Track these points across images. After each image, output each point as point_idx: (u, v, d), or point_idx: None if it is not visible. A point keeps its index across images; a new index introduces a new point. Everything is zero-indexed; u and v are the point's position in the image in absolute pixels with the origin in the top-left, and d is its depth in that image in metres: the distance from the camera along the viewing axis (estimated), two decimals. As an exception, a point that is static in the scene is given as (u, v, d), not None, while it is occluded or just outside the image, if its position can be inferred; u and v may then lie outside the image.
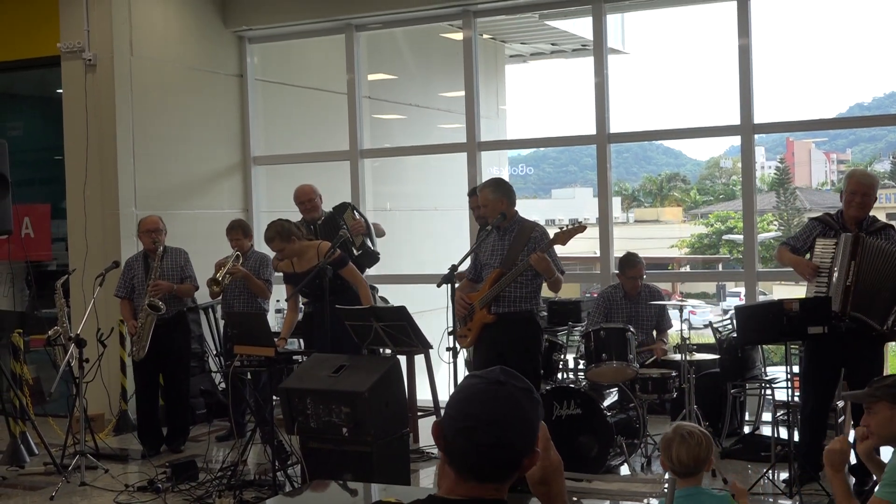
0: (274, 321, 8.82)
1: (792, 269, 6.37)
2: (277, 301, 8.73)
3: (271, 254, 8.23)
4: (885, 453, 3.92)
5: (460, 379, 3.04)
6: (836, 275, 5.91)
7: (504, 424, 2.02)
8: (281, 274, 7.70)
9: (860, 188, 6.06)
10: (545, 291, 6.78)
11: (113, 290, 7.88)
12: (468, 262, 6.74)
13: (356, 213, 8.22)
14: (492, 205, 6.44)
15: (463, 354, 6.97)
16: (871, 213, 6.18)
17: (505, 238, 6.44)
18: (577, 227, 6.24)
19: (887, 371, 6.48)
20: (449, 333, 6.89)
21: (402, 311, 6.79)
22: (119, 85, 8.99)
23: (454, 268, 6.68)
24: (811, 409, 6.15)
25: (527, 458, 2.07)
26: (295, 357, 6.78)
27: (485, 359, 6.38)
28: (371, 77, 11.07)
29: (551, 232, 6.39)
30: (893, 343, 6.59)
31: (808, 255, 6.17)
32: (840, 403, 6.51)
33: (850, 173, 6.51)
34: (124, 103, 9.03)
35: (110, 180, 8.97)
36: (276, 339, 6.69)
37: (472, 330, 6.42)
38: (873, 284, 5.87)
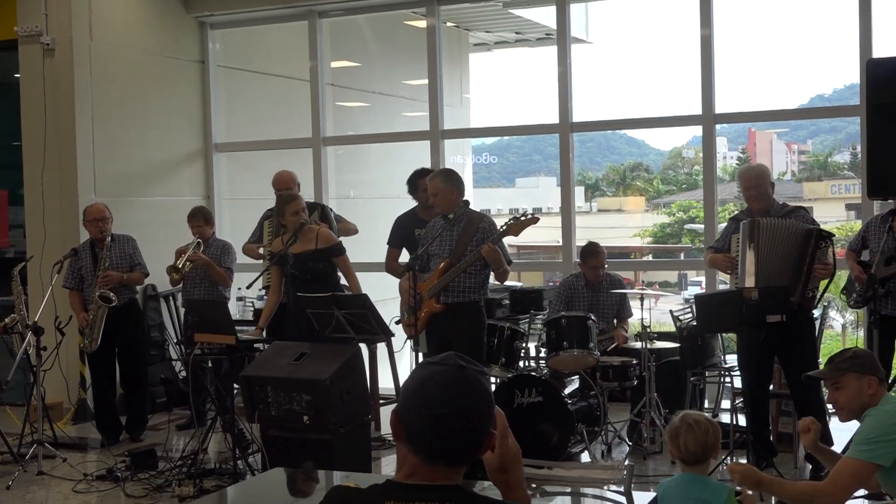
0: (235, 309, 8.77)
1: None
2: (239, 289, 8.68)
3: (233, 241, 8.21)
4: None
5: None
6: (743, 261, 6.09)
7: (475, 408, 2.08)
8: (241, 262, 7.62)
9: (748, 182, 6.32)
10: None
11: (71, 278, 7.79)
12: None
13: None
14: (442, 194, 6.46)
15: (410, 344, 6.96)
16: (789, 202, 6.43)
17: (453, 229, 6.47)
18: (530, 219, 6.26)
19: (820, 350, 6.66)
20: (396, 322, 6.88)
21: (363, 298, 6.77)
22: (78, 70, 8.88)
23: (416, 257, 6.69)
24: (750, 395, 6.27)
25: (486, 439, 2.11)
26: (256, 345, 6.75)
27: (434, 348, 6.46)
28: (334, 64, 11.02)
29: (502, 223, 6.41)
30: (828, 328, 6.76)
31: None
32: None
33: (737, 174, 6.74)
34: (83, 89, 8.93)
35: (69, 166, 8.86)
36: (255, 326, 6.63)
37: (419, 319, 6.43)
38: (776, 259, 6.05)
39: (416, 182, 7.56)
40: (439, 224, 6.56)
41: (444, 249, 6.47)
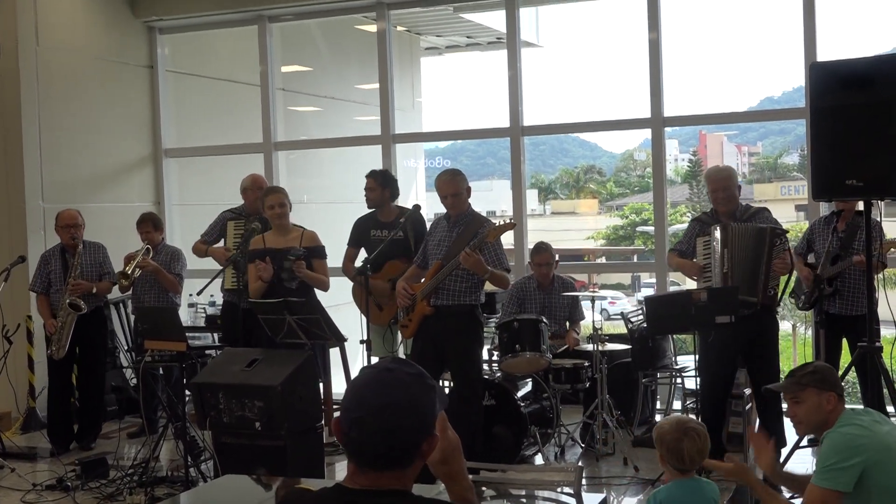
0: (186, 315, 8.70)
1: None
2: (190, 295, 8.61)
3: (184, 248, 8.14)
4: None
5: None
6: (716, 267, 6.12)
7: (392, 409, 2.02)
8: (192, 268, 7.54)
9: (717, 184, 6.32)
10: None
11: (21, 285, 7.71)
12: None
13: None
14: (464, 195, 6.33)
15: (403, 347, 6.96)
16: (750, 203, 6.45)
17: (454, 230, 6.35)
18: (507, 225, 6.26)
19: (782, 353, 6.70)
20: (392, 323, 6.86)
21: (315, 304, 6.75)
22: (24, 75, 8.78)
23: (368, 261, 6.68)
24: (709, 396, 6.31)
25: (424, 441, 2.07)
26: (207, 351, 6.71)
27: (421, 350, 6.32)
28: (285, 69, 10.98)
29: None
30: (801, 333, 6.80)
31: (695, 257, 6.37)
32: (748, 391, 6.69)
33: (705, 174, 6.78)
34: (30, 94, 8.82)
35: (16, 172, 8.75)
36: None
37: (412, 321, 6.37)
38: (746, 264, 6.09)
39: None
40: (442, 225, 6.45)
41: (441, 250, 6.33)
